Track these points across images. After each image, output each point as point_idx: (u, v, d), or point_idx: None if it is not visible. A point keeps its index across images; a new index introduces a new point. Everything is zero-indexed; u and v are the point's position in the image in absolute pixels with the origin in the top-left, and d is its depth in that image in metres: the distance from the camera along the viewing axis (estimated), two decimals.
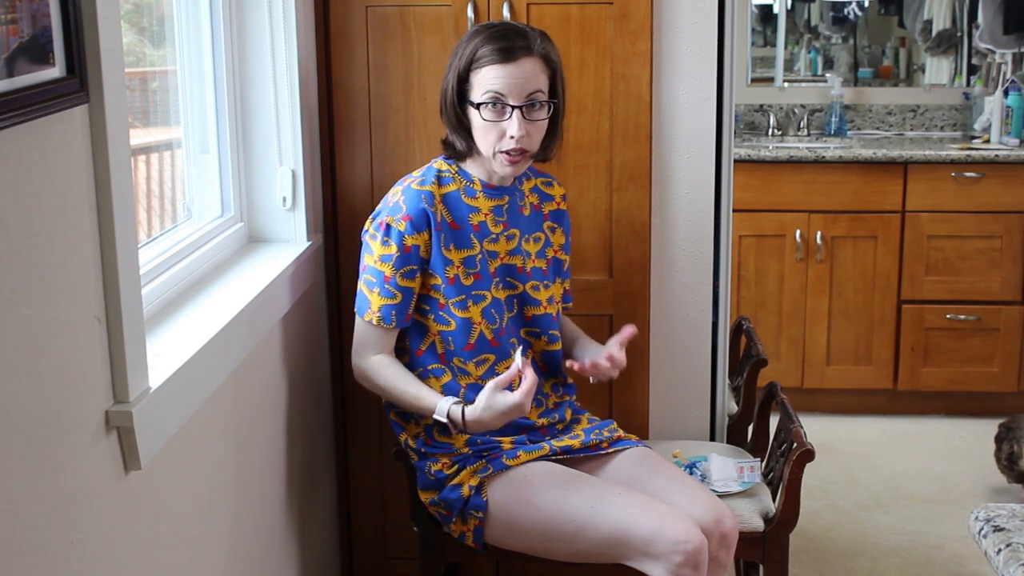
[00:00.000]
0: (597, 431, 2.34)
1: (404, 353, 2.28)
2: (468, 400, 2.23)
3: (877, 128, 4.85)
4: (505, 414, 2.09)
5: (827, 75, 4.99)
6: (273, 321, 2.26)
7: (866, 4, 5.13)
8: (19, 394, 1.26)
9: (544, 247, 2.35)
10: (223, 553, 1.98)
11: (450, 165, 2.27)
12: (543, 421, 2.31)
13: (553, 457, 2.26)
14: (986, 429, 4.21)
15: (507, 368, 2.17)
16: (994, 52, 4.68)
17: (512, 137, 2.14)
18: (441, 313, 2.23)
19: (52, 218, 1.34)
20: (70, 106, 1.36)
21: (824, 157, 4.23)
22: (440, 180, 2.24)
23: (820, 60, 5.17)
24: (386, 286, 2.19)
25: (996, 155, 4.20)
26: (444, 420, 2.14)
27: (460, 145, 2.22)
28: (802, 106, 4.87)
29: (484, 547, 2.25)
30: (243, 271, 2.27)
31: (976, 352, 4.31)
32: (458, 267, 2.22)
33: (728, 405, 2.90)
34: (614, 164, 2.63)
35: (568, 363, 2.27)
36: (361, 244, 2.28)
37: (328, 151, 2.66)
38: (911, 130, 4.84)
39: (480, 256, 2.24)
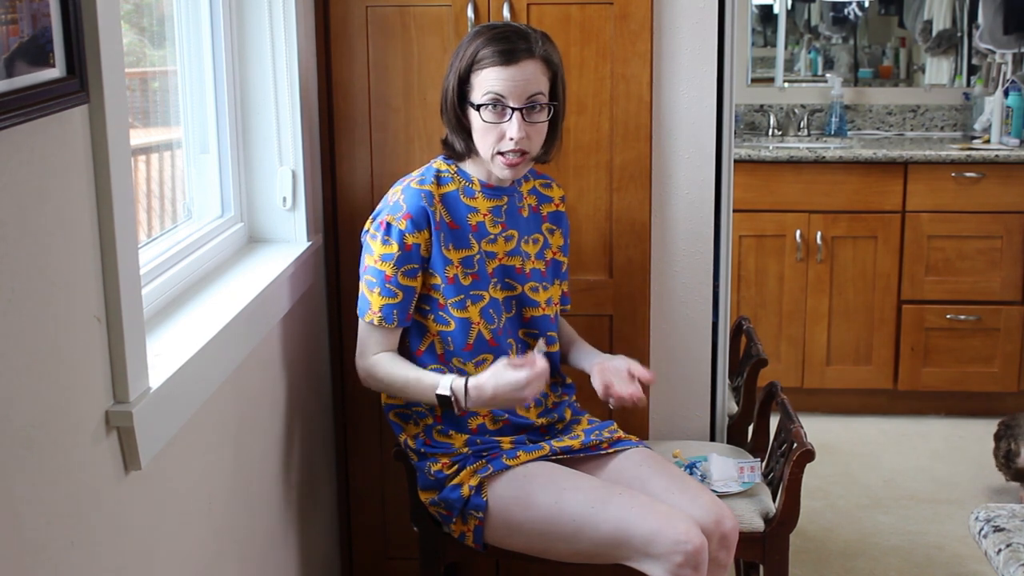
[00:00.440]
0: (597, 431, 2.34)
1: (404, 354, 2.28)
2: None
3: (877, 128, 4.85)
4: (507, 386, 2.08)
5: (827, 75, 4.99)
6: (273, 321, 2.26)
7: (866, 4, 5.13)
8: (19, 394, 1.26)
9: (543, 248, 2.35)
10: (223, 553, 1.98)
11: (449, 165, 2.27)
12: (543, 421, 2.31)
13: (553, 457, 2.26)
14: (986, 429, 4.21)
15: None
16: (994, 52, 4.68)
17: (511, 139, 2.14)
18: (441, 313, 2.23)
19: (52, 218, 1.34)
20: (70, 106, 1.36)
21: (824, 157, 4.23)
22: (439, 180, 2.24)
23: (820, 60, 5.17)
24: (387, 285, 2.19)
25: (996, 155, 4.20)
26: (447, 393, 2.13)
27: (459, 146, 2.22)
28: (802, 106, 4.87)
29: (484, 547, 2.25)
30: (243, 271, 2.27)
31: (976, 352, 4.31)
32: (457, 267, 2.22)
33: (728, 405, 2.90)
34: (614, 164, 2.63)
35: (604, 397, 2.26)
36: (361, 245, 2.28)
37: (328, 151, 2.66)
38: (911, 130, 4.84)
39: (478, 256, 2.24)
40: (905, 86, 5.00)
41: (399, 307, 2.20)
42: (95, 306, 1.46)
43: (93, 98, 1.42)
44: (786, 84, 5.02)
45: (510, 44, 2.13)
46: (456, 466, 2.24)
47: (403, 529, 2.70)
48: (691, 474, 2.47)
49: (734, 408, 2.97)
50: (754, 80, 5.01)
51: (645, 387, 2.26)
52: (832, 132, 4.78)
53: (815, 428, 3.93)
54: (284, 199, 2.49)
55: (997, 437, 3.60)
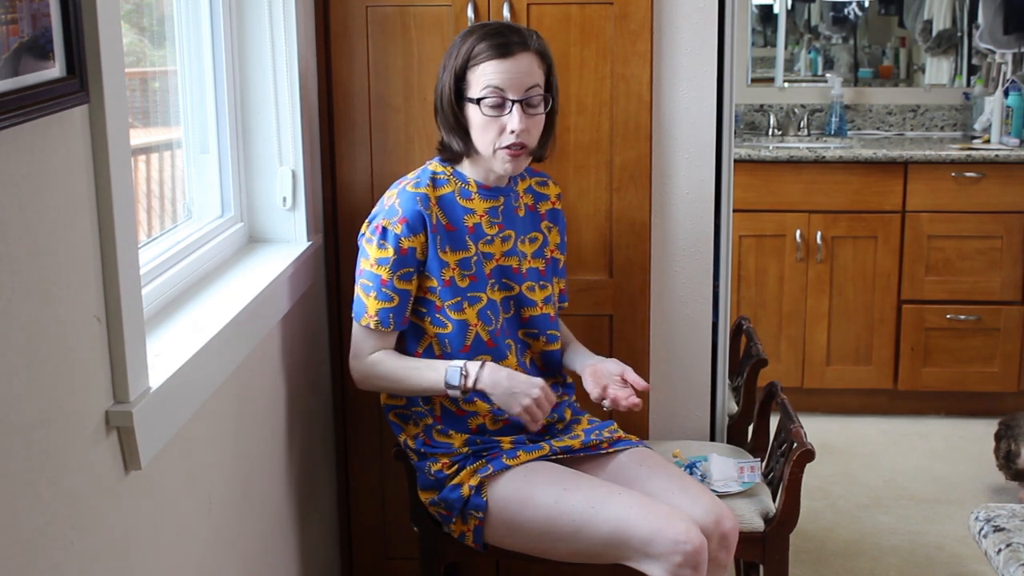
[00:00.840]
0: (597, 431, 2.34)
1: None
2: (468, 401, 2.24)
3: (877, 128, 4.85)
4: (524, 382, 2.14)
5: (827, 75, 4.99)
6: (273, 321, 2.26)
7: (866, 4, 5.12)
8: (19, 394, 1.26)
9: (541, 247, 2.35)
10: (223, 553, 1.98)
11: (445, 167, 2.26)
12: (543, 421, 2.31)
13: (553, 457, 2.27)
14: (986, 429, 4.21)
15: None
16: (994, 52, 4.68)
17: (513, 131, 2.14)
18: (438, 316, 2.23)
19: (52, 218, 1.34)
20: (70, 106, 1.36)
21: (824, 157, 4.23)
22: (435, 182, 2.24)
23: (820, 60, 5.17)
24: (383, 289, 2.19)
25: (996, 155, 4.20)
26: (458, 365, 2.15)
27: (457, 146, 2.21)
28: (802, 106, 4.87)
29: (484, 547, 2.25)
30: (243, 271, 2.27)
31: (976, 352, 4.31)
32: (454, 269, 2.22)
33: (728, 405, 2.90)
34: (614, 164, 2.63)
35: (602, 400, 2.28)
36: (358, 247, 2.27)
37: (328, 151, 2.66)
38: (911, 130, 4.84)
39: (475, 258, 2.24)
40: (905, 86, 5.00)
41: (395, 311, 2.20)
42: (95, 306, 1.46)
43: (93, 98, 1.42)
44: (786, 84, 5.02)
45: (505, 38, 2.14)
46: (456, 466, 2.24)
47: (403, 529, 2.70)
48: (691, 474, 2.47)
49: (734, 408, 2.97)
50: (754, 80, 5.01)
51: (641, 393, 2.26)
52: (832, 132, 4.78)
53: (815, 428, 3.93)
54: (284, 199, 2.49)
55: (997, 437, 3.60)
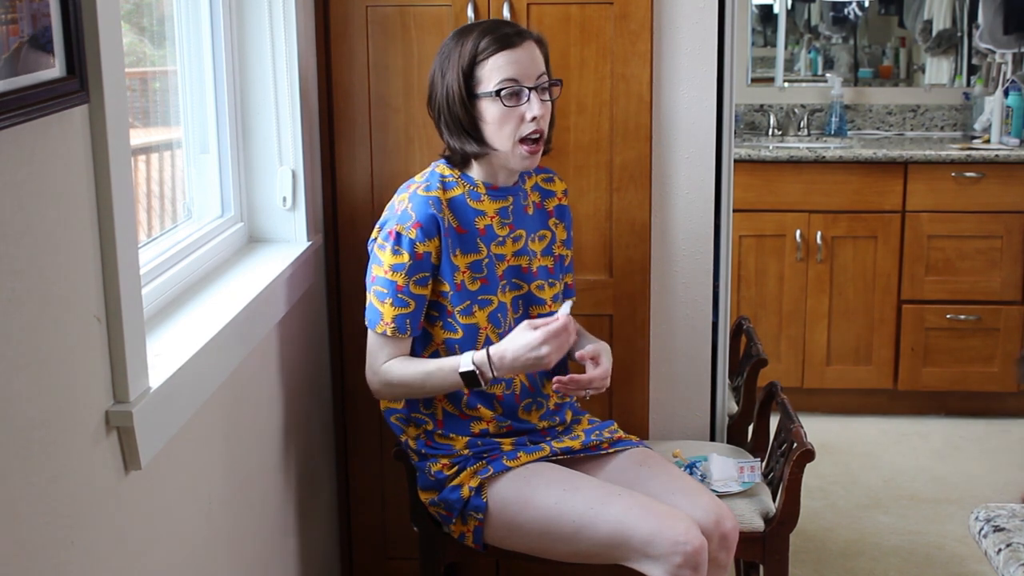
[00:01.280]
0: (597, 432, 2.34)
1: None
2: (471, 407, 2.23)
3: (877, 128, 4.85)
4: (524, 348, 2.09)
5: (827, 75, 4.98)
6: (273, 321, 2.26)
7: (866, 4, 5.12)
8: (19, 394, 1.26)
9: (550, 244, 2.35)
10: (223, 553, 1.98)
11: (452, 169, 2.25)
12: (544, 424, 2.31)
13: (553, 458, 2.26)
14: (986, 429, 4.22)
15: None
16: (994, 52, 4.68)
17: (533, 118, 2.13)
18: (449, 320, 2.22)
19: (52, 218, 1.34)
20: (70, 106, 1.36)
21: (824, 157, 4.23)
22: (444, 185, 2.22)
23: (820, 60, 5.17)
24: (399, 295, 2.17)
25: (996, 155, 4.20)
26: (471, 368, 2.12)
27: (471, 147, 2.18)
28: (802, 106, 4.87)
29: (484, 547, 2.25)
30: (243, 271, 2.27)
31: (976, 352, 4.30)
32: (464, 272, 2.21)
33: (728, 405, 2.90)
34: (614, 164, 2.63)
35: (578, 355, 2.24)
36: (367, 252, 2.25)
37: (328, 151, 2.66)
38: (911, 130, 4.84)
39: (487, 260, 2.23)
40: (905, 86, 5.00)
41: (412, 316, 2.19)
42: (95, 306, 1.46)
43: (93, 98, 1.42)
44: (786, 84, 5.02)
45: (504, 30, 2.14)
46: (456, 467, 2.24)
47: (403, 529, 2.70)
48: (691, 474, 2.47)
49: (734, 408, 2.97)
50: (754, 80, 5.01)
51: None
52: (832, 132, 4.78)
53: (815, 428, 3.93)
54: (284, 199, 2.49)
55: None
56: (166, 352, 1.73)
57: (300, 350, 2.49)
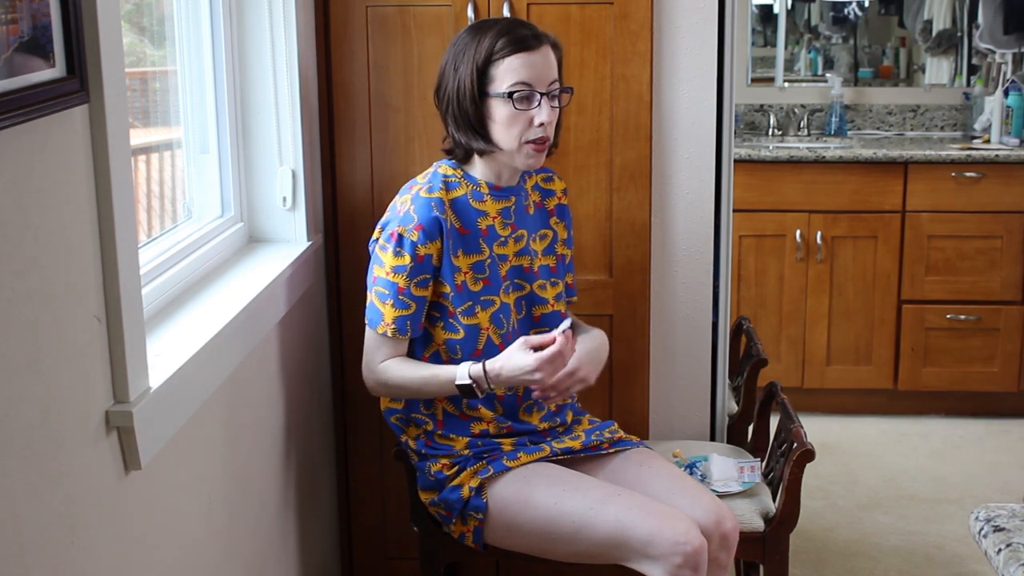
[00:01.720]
0: (598, 432, 2.34)
1: None
2: (471, 407, 2.24)
3: (877, 128, 4.85)
4: (518, 371, 2.09)
5: (827, 75, 4.98)
6: (273, 321, 2.26)
7: (866, 4, 5.12)
8: (19, 394, 1.26)
9: (552, 244, 2.35)
10: (223, 553, 1.98)
11: (455, 169, 2.24)
12: (544, 425, 2.31)
13: (553, 458, 2.26)
14: (986, 429, 4.22)
15: None
16: (994, 52, 4.68)
17: (542, 124, 2.13)
18: (451, 321, 2.22)
19: (52, 218, 1.34)
20: (70, 106, 1.36)
21: (824, 157, 4.23)
22: (447, 185, 2.22)
23: (820, 60, 5.17)
24: (400, 297, 2.17)
25: (996, 155, 4.20)
26: (467, 382, 2.12)
27: (476, 144, 2.18)
28: (802, 106, 4.87)
29: (484, 547, 2.25)
30: (243, 271, 2.27)
31: (976, 352, 4.30)
32: (466, 273, 2.20)
33: (728, 405, 2.90)
34: (614, 164, 2.63)
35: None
36: (368, 252, 2.25)
37: (328, 151, 2.66)
38: (911, 130, 4.84)
39: (489, 260, 2.23)
40: (905, 86, 5.00)
41: (412, 318, 2.19)
42: (95, 306, 1.46)
43: (93, 98, 1.42)
44: (786, 84, 5.02)
45: (521, 31, 2.14)
46: (456, 467, 2.24)
47: (403, 529, 2.70)
48: (691, 474, 2.47)
49: (734, 408, 2.97)
50: (754, 80, 5.01)
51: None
52: (832, 132, 4.78)
53: (815, 428, 3.93)
54: (284, 199, 2.49)
55: None
56: (166, 352, 1.73)
57: (300, 350, 2.49)
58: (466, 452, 2.24)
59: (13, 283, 1.25)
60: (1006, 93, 4.47)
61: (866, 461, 3.97)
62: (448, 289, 2.19)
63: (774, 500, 2.48)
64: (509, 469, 2.20)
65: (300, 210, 2.50)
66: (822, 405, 4.40)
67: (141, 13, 2.15)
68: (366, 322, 2.22)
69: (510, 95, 2.12)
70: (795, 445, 2.39)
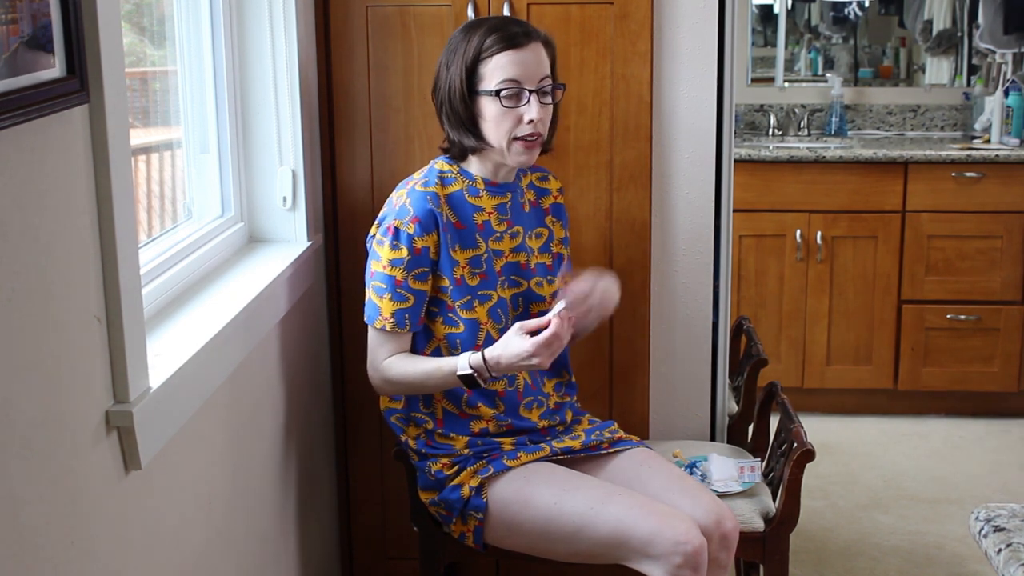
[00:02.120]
0: (598, 432, 2.34)
1: None
2: (471, 405, 2.24)
3: (877, 128, 4.85)
4: (515, 357, 2.09)
5: (827, 75, 4.98)
6: (273, 321, 2.26)
7: (866, 4, 5.12)
8: (19, 394, 1.26)
9: (547, 242, 2.35)
10: (223, 553, 1.98)
11: (451, 165, 2.26)
12: (544, 423, 2.31)
13: (553, 458, 2.26)
14: (986, 429, 4.22)
15: None
16: (994, 52, 4.68)
17: (531, 121, 2.14)
18: (450, 315, 2.22)
19: (52, 218, 1.34)
20: (70, 106, 1.36)
21: (824, 157, 4.23)
22: (443, 180, 2.23)
23: (820, 60, 5.17)
24: (398, 290, 2.18)
25: (996, 155, 4.20)
26: (468, 372, 2.13)
27: (469, 142, 2.19)
28: (802, 106, 4.87)
29: (484, 547, 2.25)
30: (243, 271, 2.27)
31: (976, 352, 4.30)
32: (464, 267, 2.21)
33: (728, 405, 2.90)
34: (614, 164, 2.63)
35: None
36: (366, 249, 2.26)
37: (328, 151, 2.66)
38: (911, 130, 4.84)
39: (486, 255, 2.23)
40: (905, 86, 5.00)
41: (411, 311, 2.19)
42: (95, 306, 1.46)
43: (93, 98, 1.42)
44: (786, 84, 5.02)
45: (511, 29, 2.14)
46: (456, 467, 2.24)
47: (403, 529, 2.70)
48: (691, 474, 2.47)
49: (734, 408, 2.97)
50: (754, 80, 5.01)
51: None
52: (832, 132, 4.78)
53: (815, 428, 3.93)
54: (284, 199, 2.49)
55: None
56: (166, 352, 1.73)
57: (300, 350, 2.49)
58: (466, 451, 2.24)
59: (13, 283, 1.25)
60: (1006, 93, 4.47)
61: (866, 461, 3.97)
62: (447, 283, 2.20)
63: (774, 500, 2.48)
64: (509, 468, 2.20)
65: (300, 210, 2.51)
66: (822, 405, 4.40)
67: (141, 13, 2.15)
68: (366, 320, 2.22)
69: (498, 93, 2.12)
70: (795, 445, 2.39)
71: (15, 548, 1.25)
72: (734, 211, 2.78)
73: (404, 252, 2.16)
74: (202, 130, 2.35)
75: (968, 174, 4.20)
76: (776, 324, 4.33)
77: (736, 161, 3.10)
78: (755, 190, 4.24)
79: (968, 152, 4.23)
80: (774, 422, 2.68)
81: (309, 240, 2.53)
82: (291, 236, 2.52)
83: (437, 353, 2.24)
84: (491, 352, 2.12)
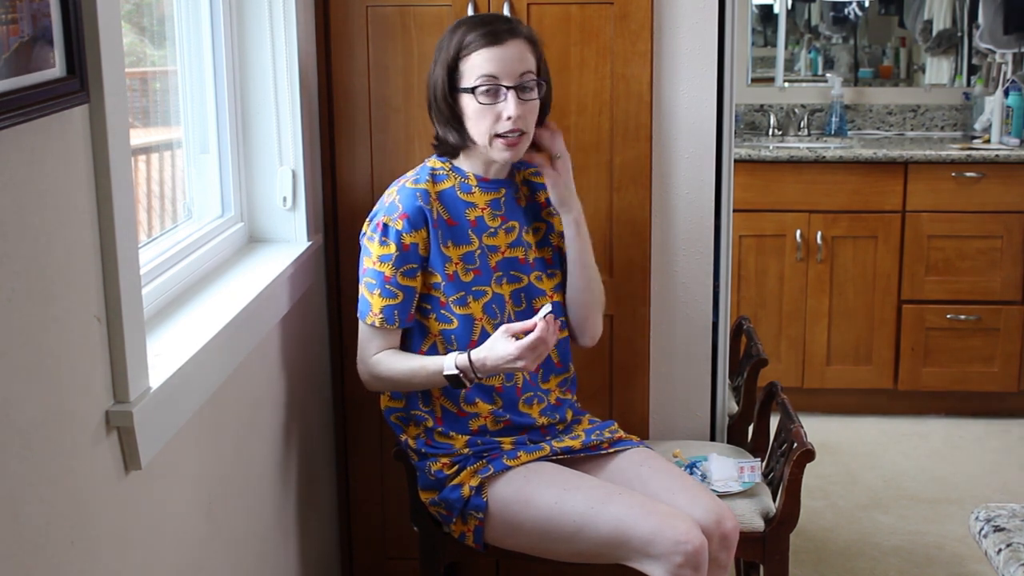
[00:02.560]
0: (598, 432, 2.34)
1: None
2: (468, 402, 2.24)
3: (877, 128, 4.85)
4: (500, 360, 2.09)
5: (827, 75, 4.98)
6: (273, 321, 2.26)
7: (866, 4, 5.12)
8: (19, 394, 1.26)
9: (546, 235, 2.35)
10: (223, 553, 1.98)
11: (443, 163, 2.27)
12: (544, 421, 2.31)
13: (553, 457, 2.26)
14: (986, 429, 4.22)
15: None
16: (994, 52, 4.68)
17: (509, 118, 2.14)
18: (443, 312, 2.23)
19: (52, 218, 1.34)
20: (70, 106, 1.36)
21: (824, 157, 4.23)
22: (434, 178, 2.24)
23: (820, 60, 5.17)
24: (387, 286, 2.19)
25: (996, 155, 4.20)
26: (454, 372, 2.13)
27: (453, 138, 2.21)
28: (802, 106, 4.87)
29: (484, 547, 2.25)
30: (243, 271, 2.27)
31: (976, 352, 4.30)
32: (457, 264, 2.22)
33: (728, 405, 2.90)
34: (614, 164, 2.62)
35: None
36: (360, 247, 2.27)
37: (328, 151, 2.66)
38: (911, 130, 4.84)
39: (479, 252, 2.24)
40: (905, 86, 5.00)
41: (400, 307, 2.20)
42: (95, 306, 1.46)
43: (93, 98, 1.42)
44: (786, 84, 5.02)
45: (494, 26, 2.15)
46: (456, 466, 2.24)
47: (403, 529, 2.70)
48: (691, 474, 2.47)
49: (734, 408, 2.97)
50: (754, 80, 5.01)
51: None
52: (832, 132, 4.78)
53: (815, 428, 3.93)
54: (284, 199, 2.49)
55: None
56: (166, 352, 1.73)
57: (300, 350, 2.49)
58: (466, 451, 2.24)
59: (13, 283, 1.25)
60: (1006, 93, 4.47)
61: (866, 461, 3.97)
62: (439, 279, 2.20)
63: (774, 500, 2.48)
64: (509, 468, 2.20)
65: (300, 210, 2.51)
66: (822, 405, 4.40)
67: (141, 13, 2.15)
68: (358, 315, 2.23)
69: (474, 89, 2.13)
70: (795, 445, 2.39)
71: (15, 548, 1.25)
72: (734, 211, 2.78)
73: (392, 248, 2.17)
74: (202, 130, 2.35)
75: (968, 174, 4.20)
76: (776, 324, 4.33)
77: (736, 161, 3.10)
78: (755, 190, 4.24)
79: (968, 152, 4.23)
80: (774, 422, 2.68)
81: (309, 240, 2.53)
82: (291, 236, 2.52)
83: (433, 350, 2.24)
84: (477, 354, 2.13)
